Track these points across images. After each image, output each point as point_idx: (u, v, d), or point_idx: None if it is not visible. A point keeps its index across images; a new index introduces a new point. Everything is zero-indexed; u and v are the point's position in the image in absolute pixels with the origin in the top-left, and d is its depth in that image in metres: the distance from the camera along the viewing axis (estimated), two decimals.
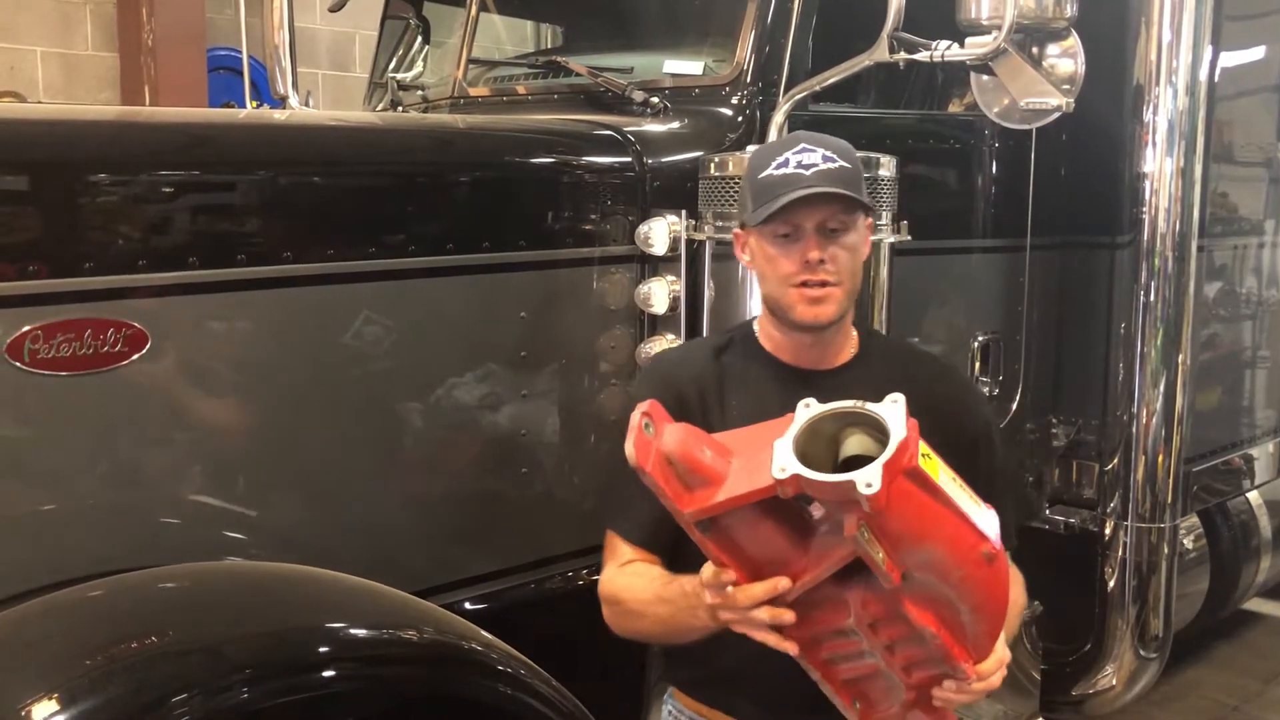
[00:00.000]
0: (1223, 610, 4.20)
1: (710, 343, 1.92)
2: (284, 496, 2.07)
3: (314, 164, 2.14)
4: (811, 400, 1.44)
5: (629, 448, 1.42)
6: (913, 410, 1.38)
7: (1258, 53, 3.95)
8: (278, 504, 2.06)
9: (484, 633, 1.86)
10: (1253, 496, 4.11)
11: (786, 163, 1.68)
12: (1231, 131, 3.73)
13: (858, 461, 1.34)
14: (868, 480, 1.27)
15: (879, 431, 1.36)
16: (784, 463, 1.33)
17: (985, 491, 1.66)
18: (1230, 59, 3.63)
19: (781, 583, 1.43)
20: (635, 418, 1.45)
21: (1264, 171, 3.99)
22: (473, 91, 3.19)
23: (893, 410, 1.37)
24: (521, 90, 3.08)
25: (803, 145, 1.70)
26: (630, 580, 1.77)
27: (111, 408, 1.87)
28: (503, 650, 1.83)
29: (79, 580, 1.74)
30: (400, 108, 3.38)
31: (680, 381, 1.78)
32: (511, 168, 2.42)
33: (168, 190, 1.94)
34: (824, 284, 1.69)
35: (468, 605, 2.10)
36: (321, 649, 1.70)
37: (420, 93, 3.46)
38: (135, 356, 1.85)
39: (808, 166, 1.67)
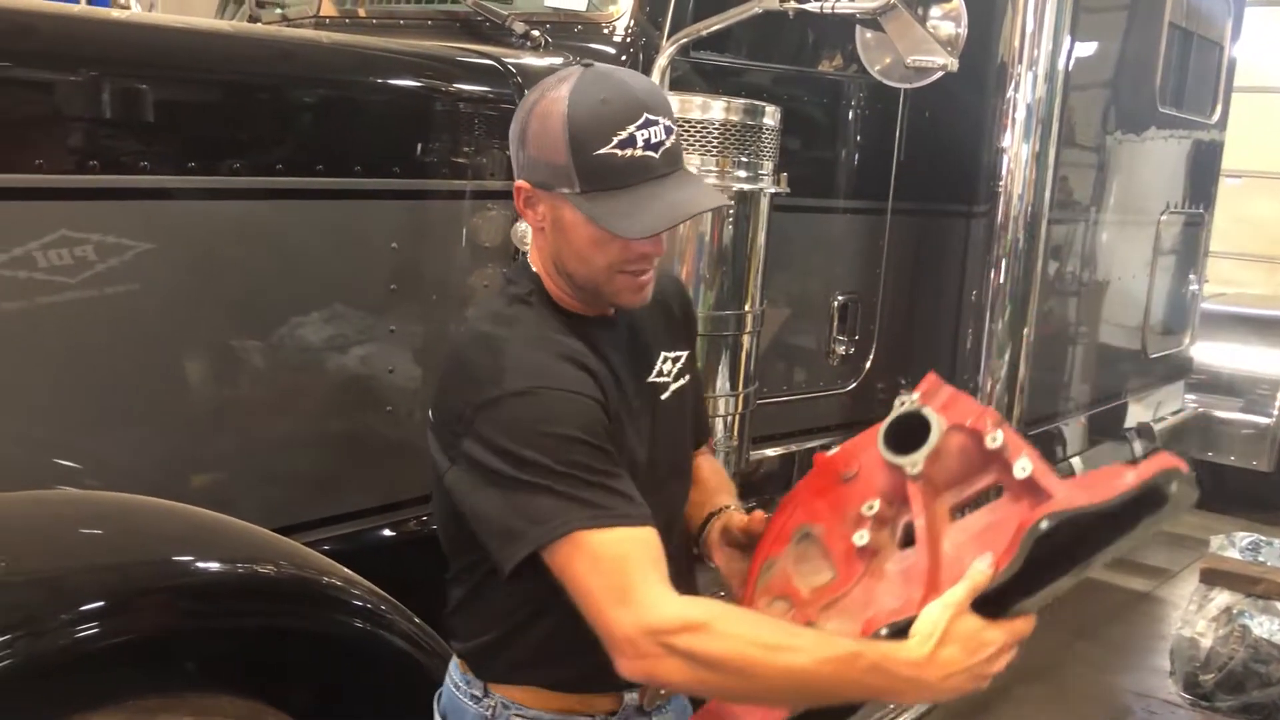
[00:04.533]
0: None
1: (538, 315, 1.58)
2: (129, 426, 1.94)
3: (175, 67, 1.99)
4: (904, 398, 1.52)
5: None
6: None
7: (1103, 45, 4.14)
8: (122, 434, 1.93)
9: (344, 568, 1.80)
10: (1075, 463, 4.36)
11: (632, 141, 1.45)
12: (1074, 119, 3.90)
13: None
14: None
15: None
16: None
17: (699, 377, 1.87)
18: (1081, 49, 3.79)
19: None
20: (989, 427, 1.44)
21: (1095, 158, 4.20)
22: (338, 11, 3.05)
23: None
24: (392, 14, 2.96)
25: (645, 116, 1.46)
26: (742, 617, 1.42)
27: None
28: (364, 586, 1.78)
29: None
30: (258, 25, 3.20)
31: (587, 364, 1.52)
32: (386, 90, 2.31)
33: (9, 83, 1.78)
34: (650, 268, 1.56)
35: (327, 547, 2.02)
36: (169, 583, 1.61)
37: (279, 10, 3.30)
38: None
39: (656, 147, 1.47)
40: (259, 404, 2.09)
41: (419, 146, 2.25)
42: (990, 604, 1.34)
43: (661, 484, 1.65)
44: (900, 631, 1.36)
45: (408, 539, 2.22)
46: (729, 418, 2.60)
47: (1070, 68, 3.34)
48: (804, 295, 3.15)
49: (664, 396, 1.68)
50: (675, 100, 2.30)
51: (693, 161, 2.29)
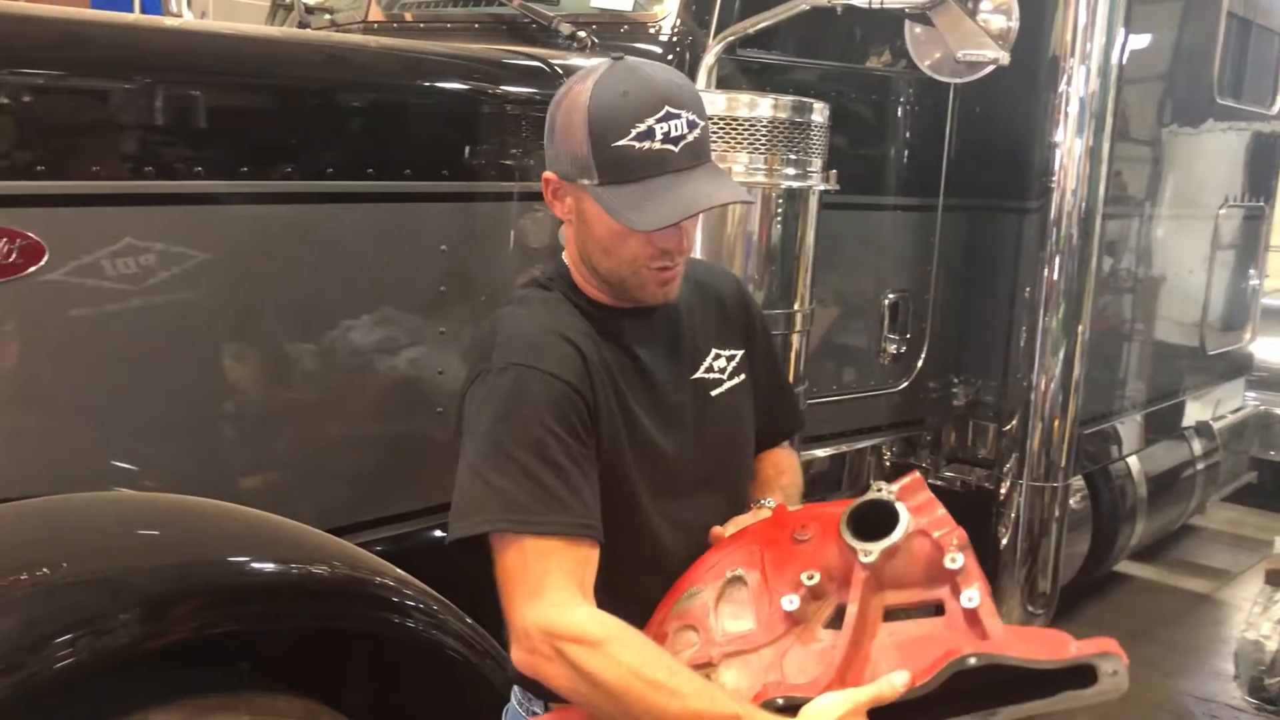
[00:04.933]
0: (1099, 570, 4.37)
1: (554, 298, 1.60)
2: (184, 429, 1.96)
3: (225, 75, 2.01)
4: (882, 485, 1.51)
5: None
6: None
7: (1158, 37, 4.07)
8: (177, 436, 1.95)
9: (396, 569, 1.81)
10: (1132, 462, 4.28)
11: (651, 133, 1.45)
12: (1128, 112, 3.84)
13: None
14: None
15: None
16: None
17: (775, 372, 1.86)
18: (1136, 41, 3.73)
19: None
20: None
21: (1150, 151, 4.13)
22: (386, 16, 3.07)
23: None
24: (439, 17, 2.97)
25: (666, 109, 1.45)
26: (639, 647, 1.38)
27: (2, 323, 1.74)
28: (416, 587, 1.79)
29: None
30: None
31: (585, 350, 1.52)
32: (434, 93, 2.32)
33: (65, 92, 1.81)
34: (673, 265, 1.55)
35: (379, 548, 2.03)
36: (226, 583, 1.63)
37: (328, 15, 3.33)
38: (31, 269, 1.72)
39: (676, 140, 1.46)
40: (311, 406, 2.11)
41: (467, 149, 2.26)
42: (880, 715, 1.33)
43: (706, 480, 1.64)
44: (792, 708, 1.35)
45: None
46: None
47: (1124, 61, 3.29)
48: (854, 294, 3.12)
49: (715, 393, 1.67)
50: (722, 98, 2.30)
51: (740, 159, 2.28)
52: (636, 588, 1.55)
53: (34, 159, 1.74)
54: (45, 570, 1.48)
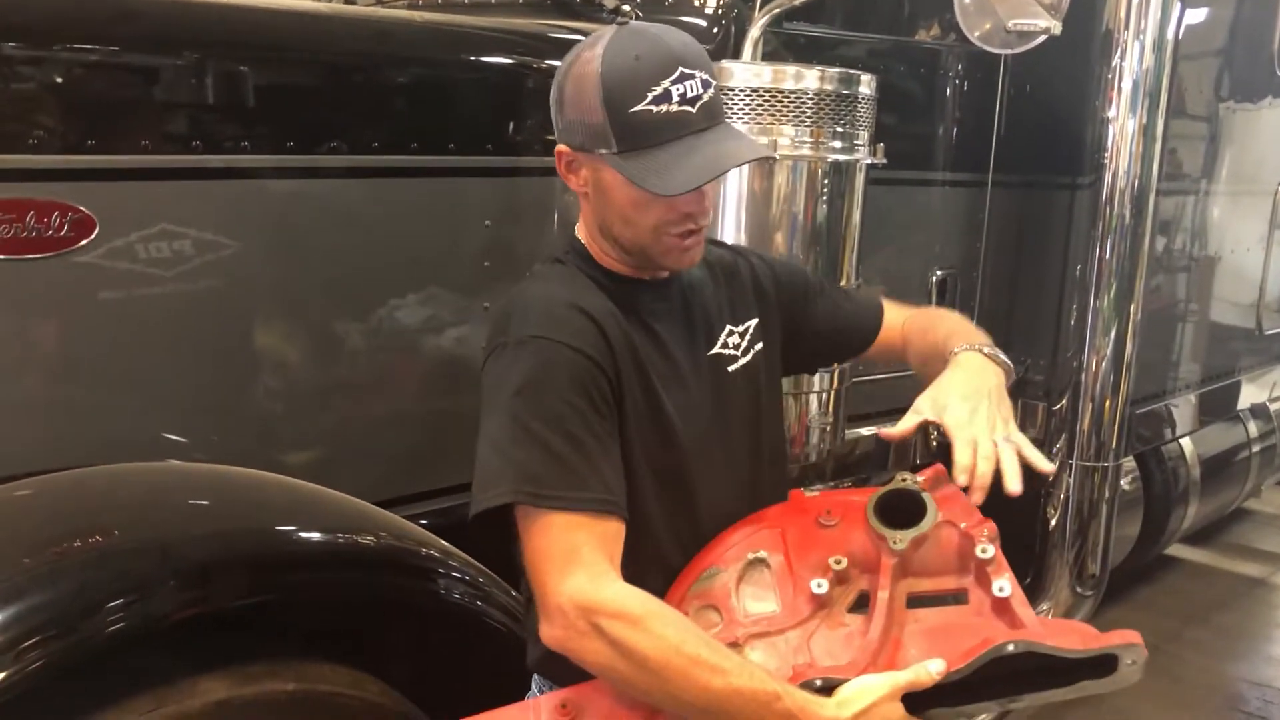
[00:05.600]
0: (1150, 553, 4.31)
1: (570, 272, 1.58)
2: (233, 401, 1.99)
3: (275, 49, 2.02)
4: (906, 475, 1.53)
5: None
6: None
7: (1216, 10, 3.98)
8: (226, 409, 1.98)
9: (441, 541, 1.82)
10: (1185, 444, 4.21)
11: (668, 96, 1.41)
12: (1184, 87, 3.76)
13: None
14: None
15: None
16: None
17: (839, 303, 1.86)
18: (1193, 15, 3.65)
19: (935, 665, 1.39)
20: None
21: (1207, 128, 4.04)
22: None
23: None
24: None
25: (680, 70, 1.42)
26: (678, 623, 1.36)
27: (53, 296, 1.77)
28: (461, 559, 1.80)
29: (11, 480, 1.66)
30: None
31: (605, 324, 1.49)
32: (479, 68, 2.32)
33: (116, 67, 1.82)
34: (696, 228, 1.52)
35: (424, 521, 2.04)
36: (272, 551, 1.65)
37: None
38: (83, 243, 1.75)
39: (693, 101, 1.42)
40: (356, 379, 2.13)
41: (511, 124, 2.26)
42: (913, 700, 1.35)
43: (726, 456, 1.62)
44: (828, 690, 1.36)
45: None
46: (824, 395, 2.56)
47: (1180, 35, 3.22)
48: (901, 270, 3.08)
49: (731, 369, 1.65)
50: (768, 70, 2.27)
51: (786, 132, 2.25)
52: (656, 564, 1.53)
53: (85, 134, 1.76)
54: (98, 538, 1.51)
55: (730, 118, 2.27)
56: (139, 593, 1.46)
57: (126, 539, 1.54)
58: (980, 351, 1.65)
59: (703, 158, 1.42)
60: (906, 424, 1.58)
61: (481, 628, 1.77)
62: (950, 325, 1.81)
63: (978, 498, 1.47)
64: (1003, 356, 1.65)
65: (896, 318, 1.90)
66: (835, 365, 2.44)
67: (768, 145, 2.21)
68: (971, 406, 1.54)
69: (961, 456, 1.48)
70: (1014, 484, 1.46)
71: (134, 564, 1.50)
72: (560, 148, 1.53)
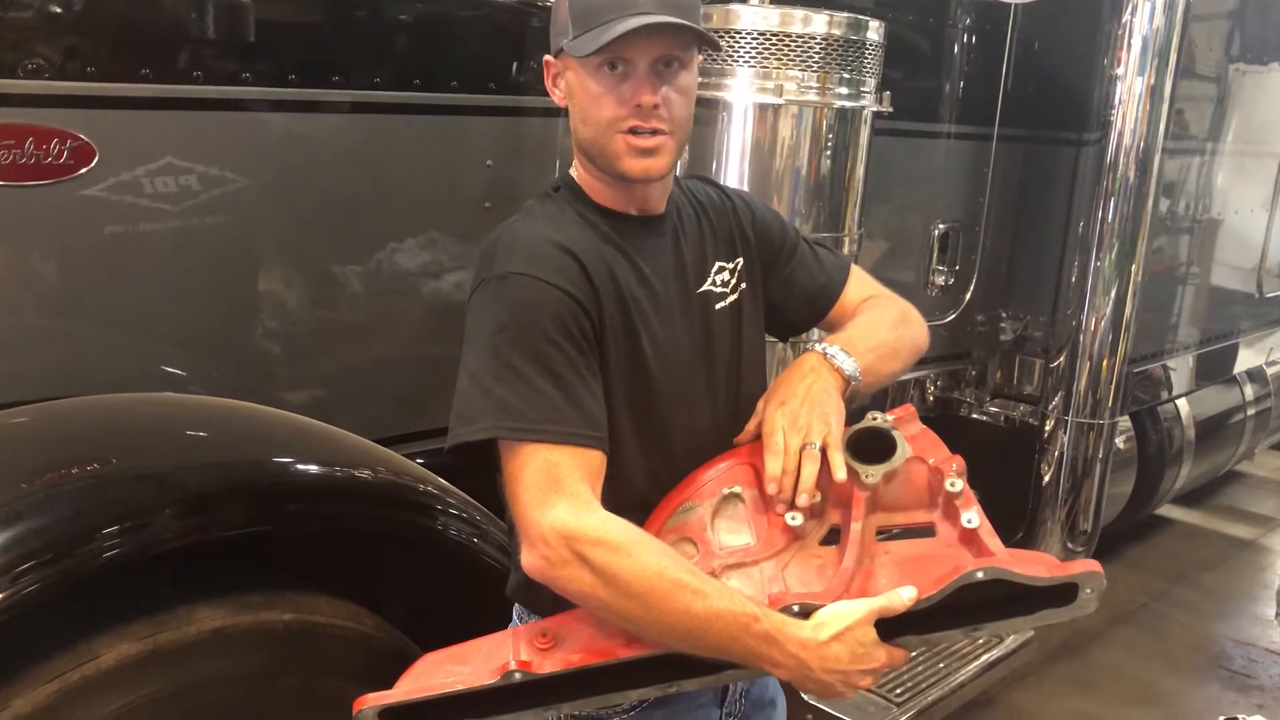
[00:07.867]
0: (1142, 512, 4.34)
1: (559, 208, 1.57)
2: (230, 334, 1.99)
3: None
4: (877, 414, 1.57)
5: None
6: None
7: None
8: (223, 341, 1.98)
9: (439, 478, 1.82)
10: (1181, 404, 4.22)
11: None
12: (1194, 48, 3.72)
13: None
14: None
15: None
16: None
17: (816, 258, 1.81)
18: None
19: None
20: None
21: (1215, 89, 4.02)
22: None
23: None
24: None
25: None
26: (658, 549, 1.39)
27: (52, 224, 1.75)
28: (458, 496, 1.81)
29: (10, 406, 1.66)
30: None
31: (588, 261, 1.48)
32: (482, 4, 2.29)
33: None
34: (655, 132, 1.48)
35: (421, 460, 2.05)
36: (270, 482, 1.65)
37: None
38: (82, 171, 1.74)
39: None
40: (355, 316, 2.12)
41: (514, 63, 2.23)
42: (884, 626, 1.39)
43: (711, 392, 1.63)
44: (805, 614, 1.40)
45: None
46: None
47: None
48: (903, 223, 3.08)
49: (719, 306, 1.65)
50: (776, 14, 2.25)
51: (792, 77, 2.23)
52: (632, 500, 1.53)
53: (85, 61, 1.74)
54: (95, 465, 1.51)
55: (737, 61, 2.25)
56: (135, 519, 1.47)
57: (124, 466, 1.54)
58: (823, 353, 1.65)
59: (629, 26, 1.42)
60: (749, 426, 1.63)
61: (478, 565, 1.78)
62: (864, 321, 1.77)
63: (780, 509, 1.51)
64: (846, 362, 1.63)
65: (855, 297, 1.86)
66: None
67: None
68: (790, 410, 1.56)
69: (769, 466, 1.52)
70: (800, 497, 1.50)
71: (131, 491, 1.50)
72: (546, 59, 1.56)
